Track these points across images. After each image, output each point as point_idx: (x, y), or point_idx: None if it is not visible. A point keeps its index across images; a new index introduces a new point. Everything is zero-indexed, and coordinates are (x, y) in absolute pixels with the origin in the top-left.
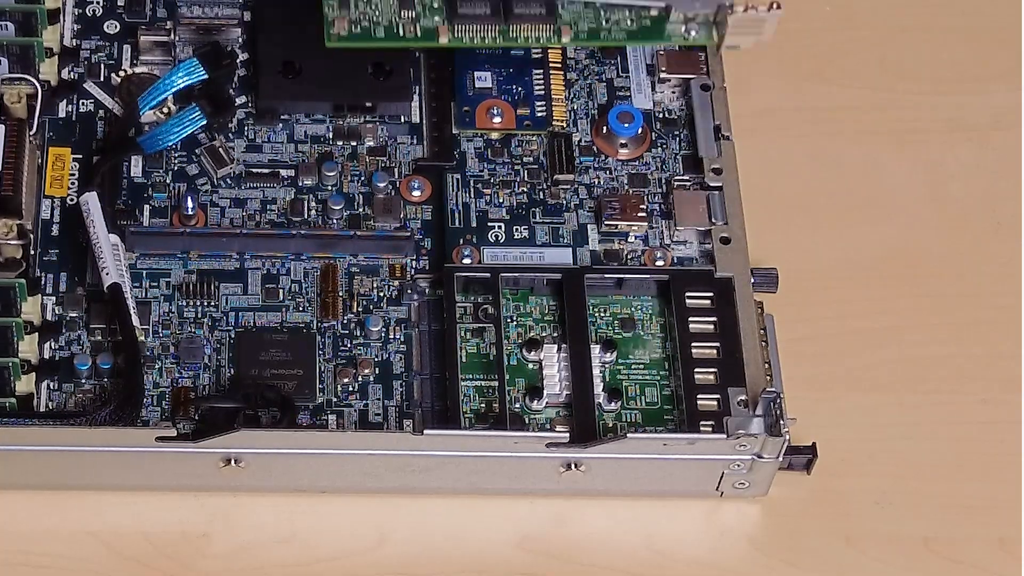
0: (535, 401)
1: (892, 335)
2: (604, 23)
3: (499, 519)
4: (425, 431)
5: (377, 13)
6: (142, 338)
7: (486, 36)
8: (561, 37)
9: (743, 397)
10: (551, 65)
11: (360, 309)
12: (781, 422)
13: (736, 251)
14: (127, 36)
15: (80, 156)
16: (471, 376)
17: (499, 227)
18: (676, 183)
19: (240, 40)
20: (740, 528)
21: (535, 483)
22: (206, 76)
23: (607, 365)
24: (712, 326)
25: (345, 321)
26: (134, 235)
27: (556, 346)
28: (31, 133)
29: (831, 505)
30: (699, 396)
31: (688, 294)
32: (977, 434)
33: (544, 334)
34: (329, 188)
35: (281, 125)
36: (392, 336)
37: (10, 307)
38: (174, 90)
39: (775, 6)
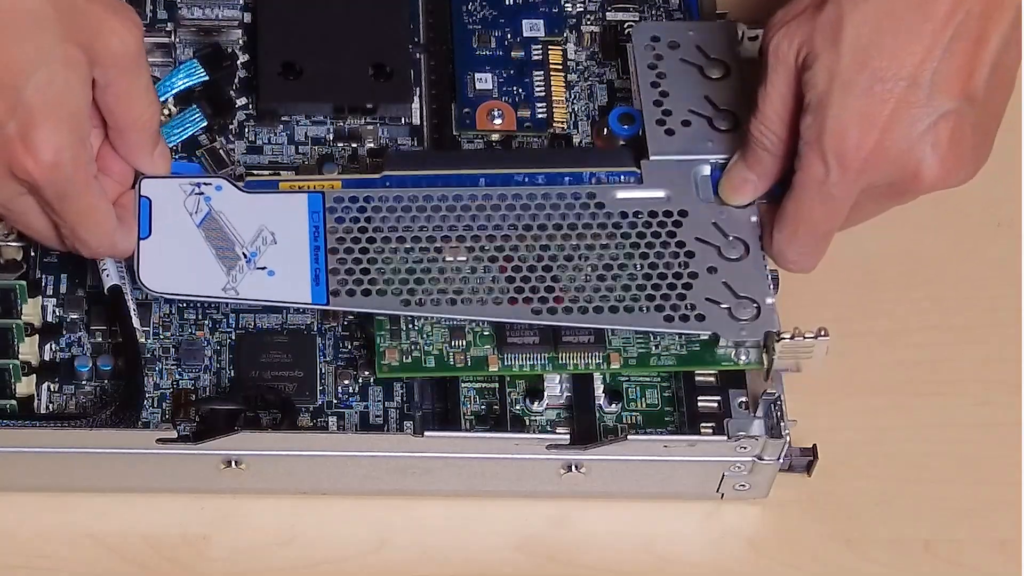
0: (535, 403)
1: (892, 337)
2: (653, 348)
3: (500, 521)
4: (425, 433)
5: (428, 343)
6: (143, 340)
7: (536, 364)
8: (611, 363)
9: (744, 399)
10: (551, 67)
11: None
12: (781, 424)
13: None
14: None
15: None
16: (471, 378)
17: None
18: None
19: (240, 41)
20: (740, 530)
21: (536, 485)
22: (206, 77)
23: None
24: None
25: (346, 323)
26: None
27: None
28: None
29: (832, 507)
30: (699, 398)
31: None
32: (977, 436)
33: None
34: None
35: (281, 127)
36: None
37: (10, 309)
38: (175, 92)
39: (822, 333)
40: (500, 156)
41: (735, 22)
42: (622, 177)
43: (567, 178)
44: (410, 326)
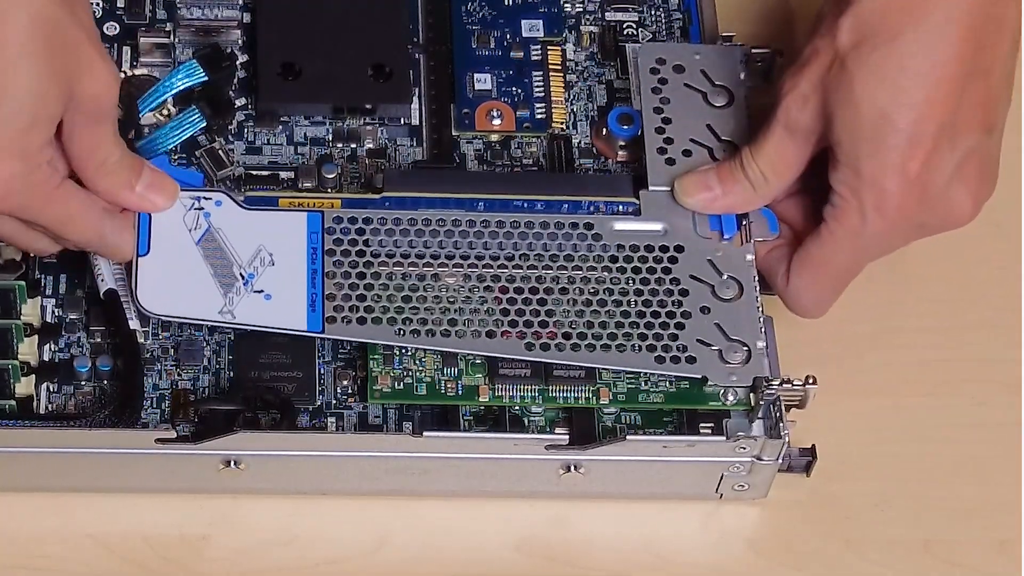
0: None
1: (891, 338)
2: (643, 385)
3: (498, 521)
4: (424, 433)
5: (420, 370)
6: (142, 340)
7: (526, 395)
8: (600, 399)
9: None
10: (551, 67)
11: None
12: (780, 424)
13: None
14: (127, 38)
15: None
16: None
17: None
18: None
19: (240, 42)
20: (739, 530)
21: (534, 485)
22: (206, 78)
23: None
24: None
25: None
26: None
27: None
28: None
29: (830, 508)
30: None
31: None
32: (976, 437)
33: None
34: None
35: (281, 127)
36: None
37: (10, 309)
38: (174, 92)
39: (811, 380)
40: (500, 179)
41: (741, 46)
42: (620, 207)
43: (565, 206)
44: (403, 352)
